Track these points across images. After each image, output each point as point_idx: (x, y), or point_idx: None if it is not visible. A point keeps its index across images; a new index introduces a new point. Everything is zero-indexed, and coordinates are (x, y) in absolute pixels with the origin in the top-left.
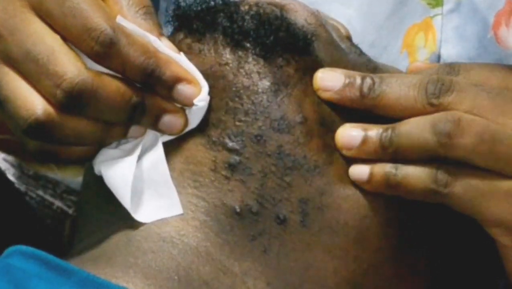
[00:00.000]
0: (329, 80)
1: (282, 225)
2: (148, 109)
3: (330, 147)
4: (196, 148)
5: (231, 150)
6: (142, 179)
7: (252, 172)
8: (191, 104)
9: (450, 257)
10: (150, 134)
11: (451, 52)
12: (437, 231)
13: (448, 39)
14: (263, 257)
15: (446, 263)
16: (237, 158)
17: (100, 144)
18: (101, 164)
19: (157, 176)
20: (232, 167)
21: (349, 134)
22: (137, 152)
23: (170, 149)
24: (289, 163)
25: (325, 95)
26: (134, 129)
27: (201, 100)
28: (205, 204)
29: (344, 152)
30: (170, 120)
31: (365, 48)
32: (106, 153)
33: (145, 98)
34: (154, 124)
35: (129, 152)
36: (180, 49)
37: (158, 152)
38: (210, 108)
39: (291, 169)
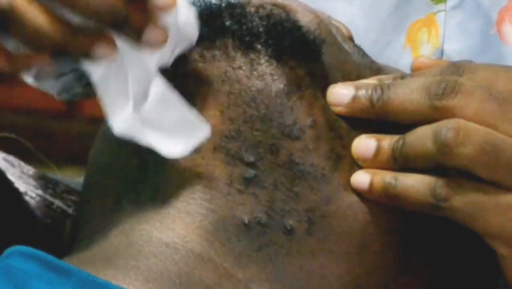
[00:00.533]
0: (340, 94)
1: (289, 235)
2: (132, 20)
3: (336, 153)
4: (213, 164)
5: (248, 164)
6: (156, 116)
7: (265, 185)
8: (168, 9)
9: (451, 261)
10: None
11: (454, 47)
12: (438, 236)
13: (452, 35)
14: (268, 265)
15: (447, 267)
16: (253, 171)
17: (59, 51)
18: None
19: (170, 107)
20: (247, 181)
21: (364, 144)
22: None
23: (184, 165)
24: (298, 172)
25: (337, 110)
26: (105, 46)
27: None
28: (214, 215)
29: (360, 163)
30: (152, 32)
31: (368, 45)
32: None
33: (129, 9)
34: (138, 37)
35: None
36: (192, 57)
37: (159, 83)
38: (227, 118)
39: (300, 179)
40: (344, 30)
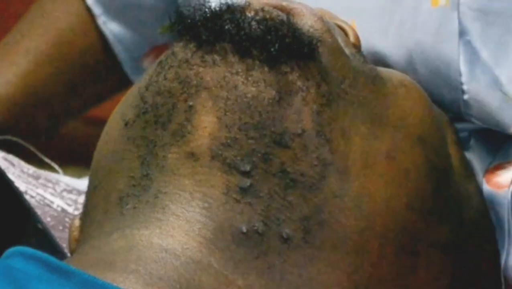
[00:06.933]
0: None
1: (286, 244)
2: None
3: (322, 161)
4: (210, 172)
5: (243, 173)
6: None
7: (260, 194)
8: None
9: (452, 260)
10: None
11: None
12: (437, 238)
13: None
14: (267, 273)
15: (448, 265)
16: (248, 181)
17: None
18: None
19: None
20: (243, 190)
21: None
22: None
23: (184, 172)
24: (290, 182)
25: None
26: None
27: None
28: (213, 224)
29: None
30: None
31: None
32: None
33: None
34: None
35: None
36: (194, 62)
37: None
38: (224, 124)
39: (292, 188)
40: (350, 33)
